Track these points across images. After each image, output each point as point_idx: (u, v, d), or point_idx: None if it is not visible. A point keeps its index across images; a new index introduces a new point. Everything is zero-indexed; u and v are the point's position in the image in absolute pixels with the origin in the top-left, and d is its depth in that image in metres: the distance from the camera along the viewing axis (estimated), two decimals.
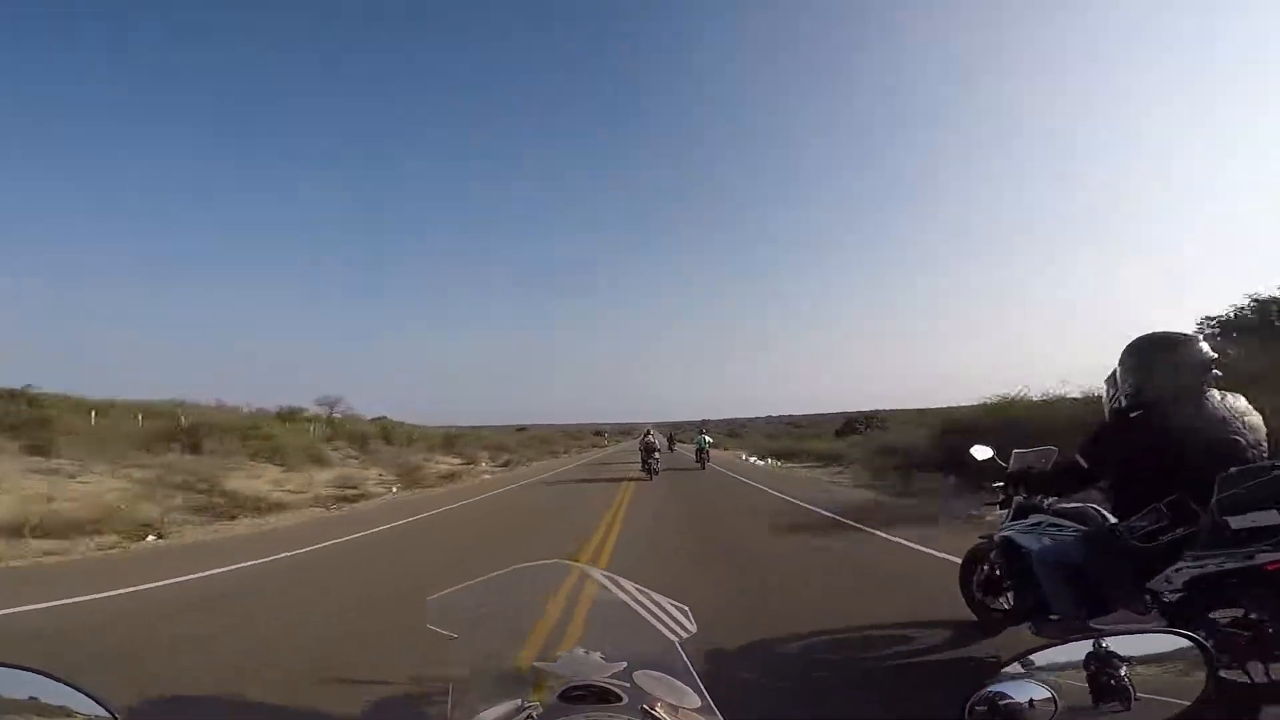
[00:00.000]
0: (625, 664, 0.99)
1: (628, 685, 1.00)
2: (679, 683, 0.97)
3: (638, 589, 0.94)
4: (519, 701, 1.03)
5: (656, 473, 18.35)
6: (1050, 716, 0.78)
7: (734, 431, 72.17)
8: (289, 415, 25.14)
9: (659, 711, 0.98)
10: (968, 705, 0.80)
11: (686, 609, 0.96)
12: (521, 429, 53.23)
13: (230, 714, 2.81)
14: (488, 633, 1.01)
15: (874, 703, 2.78)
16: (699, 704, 0.97)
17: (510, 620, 1.00)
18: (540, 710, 1.02)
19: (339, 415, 29.19)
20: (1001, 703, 0.79)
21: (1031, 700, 0.78)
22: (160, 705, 2.80)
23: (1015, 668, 0.80)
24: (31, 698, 0.84)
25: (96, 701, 0.85)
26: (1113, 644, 0.81)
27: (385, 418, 33.19)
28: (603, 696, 1.02)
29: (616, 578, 0.93)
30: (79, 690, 0.86)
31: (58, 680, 0.86)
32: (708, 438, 24.60)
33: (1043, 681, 0.79)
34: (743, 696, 2.67)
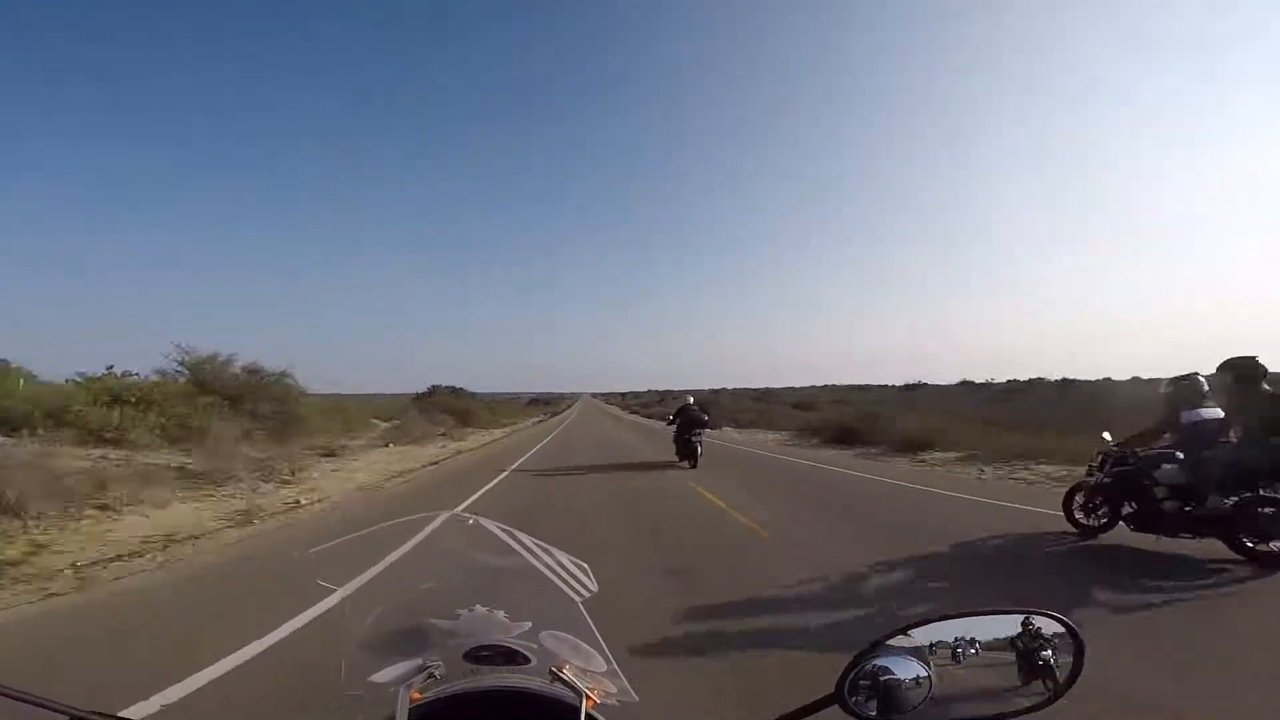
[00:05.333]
0: (530, 624, 0.96)
1: (534, 646, 0.98)
2: (585, 645, 0.95)
3: (536, 543, 0.91)
4: (419, 660, 0.99)
5: (700, 455, 13.80)
6: (925, 695, 0.79)
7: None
8: None
9: (567, 674, 0.96)
10: (849, 678, 0.80)
11: (586, 566, 0.93)
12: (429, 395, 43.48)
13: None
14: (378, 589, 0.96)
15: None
16: (605, 668, 0.96)
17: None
18: (443, 669, 0.99)
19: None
20: (883, 678, 0.80)
21: (912, 678, 0.79)
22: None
23: (896, 641, 0.81)
24: None
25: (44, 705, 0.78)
26: (984, 624, 0.83)
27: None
28: (510, 658, 0.99)
29: (514, 531, 0.89)
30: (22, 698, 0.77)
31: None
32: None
33: (920, 659, 0.80)
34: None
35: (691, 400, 15.18)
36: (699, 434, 14.01)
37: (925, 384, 63.70)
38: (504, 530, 0.90)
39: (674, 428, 14.78)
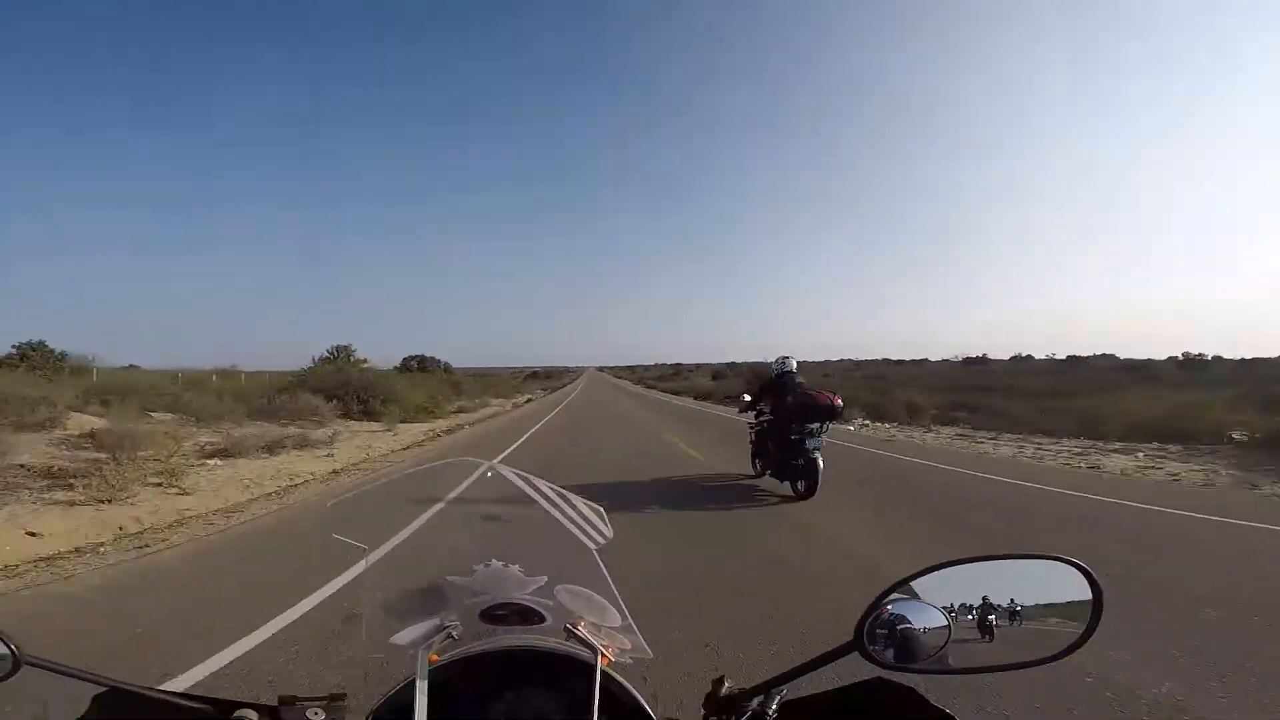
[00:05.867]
0: (545, 579, 0.96)
1: (550, 603, 0.98)
2: (600, 598, 0.95)
3: (553, 489, 0.91)
4: (437, 620, 0.99)
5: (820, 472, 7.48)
6: (943, 643, 0.79)
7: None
8: None
9: (582, 631, 0.96)
10: (864, 627, 0.80)
11: (602, 511, 0.93)
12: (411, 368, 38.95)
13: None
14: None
15: None
16: (620, 622, 0.96)
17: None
18: (460, 629, 0.99)
19: None
20: (899, 626, 0.79)
21: (926, 626, 0.79)
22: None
23: (910, 588, 0.80)
24: None
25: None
26: (1001, 569, 0.81)
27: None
28: (525, 616, 1.00)
29: (531, 477, 0.89)
30: None
31: None
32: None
33: (936, 606, 0.79)
34: None
35: (793, 365, 8.48)
36: (818, 434, 7.53)
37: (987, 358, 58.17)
38: (520, 476, 0.89)
39: (756, 419, 8.89)
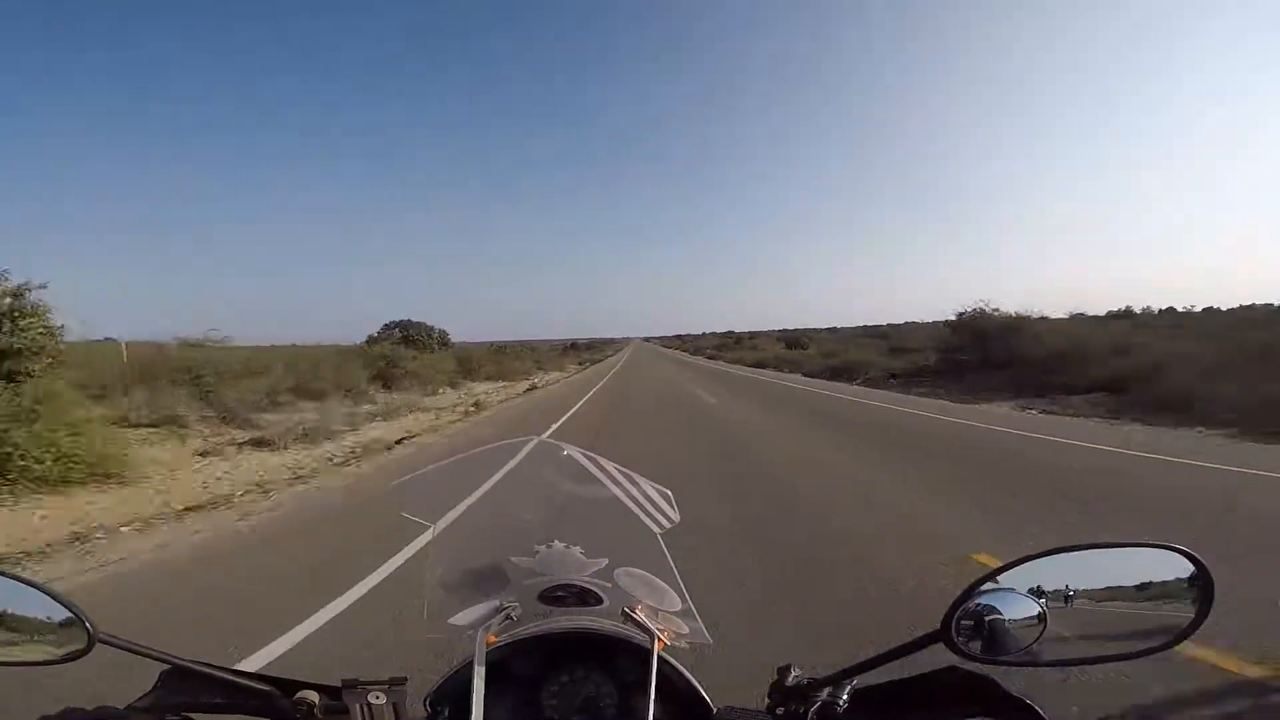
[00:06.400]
0: (606, 561, 0.95)
1: (609, 585, 0.97)
2: (661, 582, 0.93)
3: (619, 470, 0.88)
4: (497, 602, 1.00)
5: None
6: (1037, 635, 0.74)
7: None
8: None
9: (639, 615, 0.95)
10: (953, 619, 0.76)
11: (669, 494, 0.91)
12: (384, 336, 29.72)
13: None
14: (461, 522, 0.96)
15: None
16: (679, 607, 0.95)
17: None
18: (519, 611, 1.00)
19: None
20: (988, 617, 0.75)
21: (1023, 617, 0.74)
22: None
23: (1000, 580, 0.76)
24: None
25: (71, 610, 0.83)
26: (1103, 558, 0.76)
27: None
28: (583, 598, 0.99)
29: (597, 458, 0.88)
30: (54, 597, 0.84)
31: (33, 585, 0.85)
32: None
33: (1032, 596, 0.74)
34: None
35: None
36: None
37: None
38: (587, 456, 0.88)
39: None
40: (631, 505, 0.89)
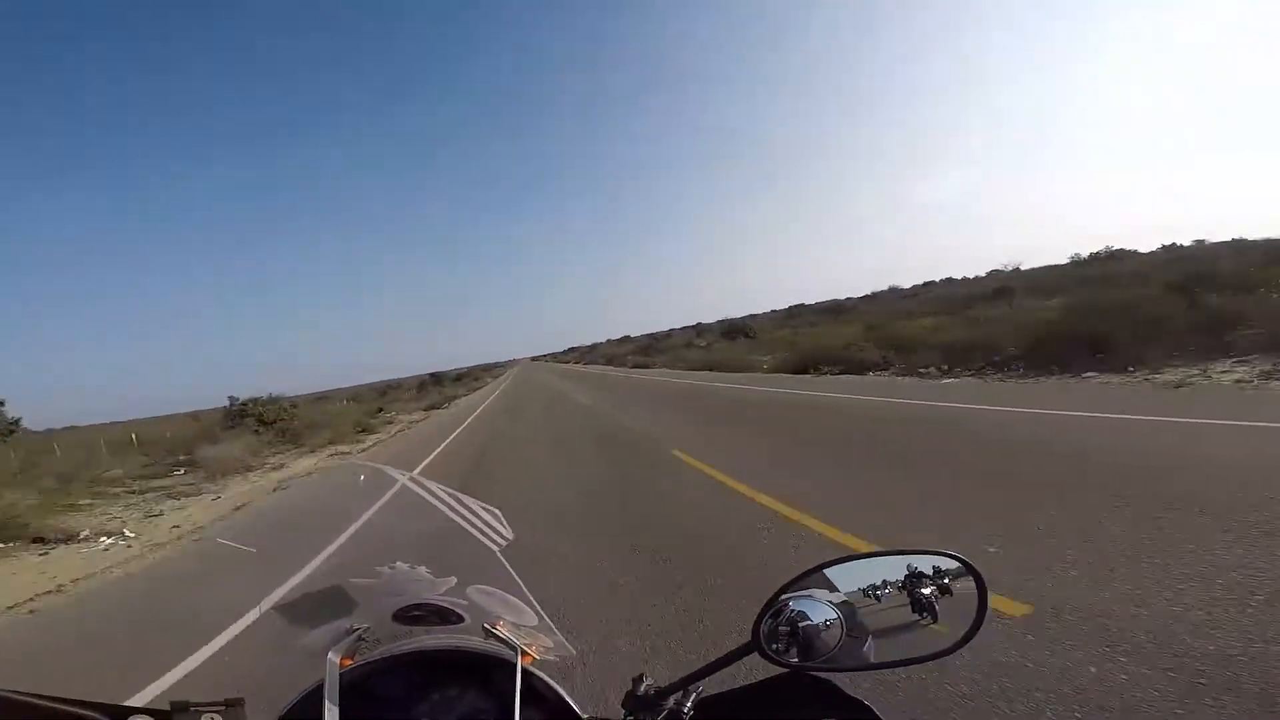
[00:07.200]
0: (455, 579, 0.94)
1: (464, 603, 0.97)
2: (515, 599, 0.94)
3: (446, 491, 0.89)
4: (346, 623, 0.97)
5: None
6: (837, 639, 0.80)
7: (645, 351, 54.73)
8: None
9: (502, 631, 0.95)
10: (760, 627, 0.81)
11: (498, 512, 0.92)
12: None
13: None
14: (293, 547, 0.93)
15: None
16: (536, 622, 0.96)
17: (317, 532, 0.92)
18: (373, 632, 0.97)
19: None
20: (801, 623, 0.80)
21: (823, 620, 0.80)
22: None
23: (805, 585, 0.82)
24: None
25: None
26: (888, 565, 0.84)
27: None
28: (443, 616, 0.98)
29: (423, 480, 0.88)
30: None
31: None
32: None
33: (828, 602, 0.81)
34: None
35: None
36: None
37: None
38: (414, 481, 0.88)
39: None
40: (465, 525, 0.89)
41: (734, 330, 46.72)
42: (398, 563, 0.93)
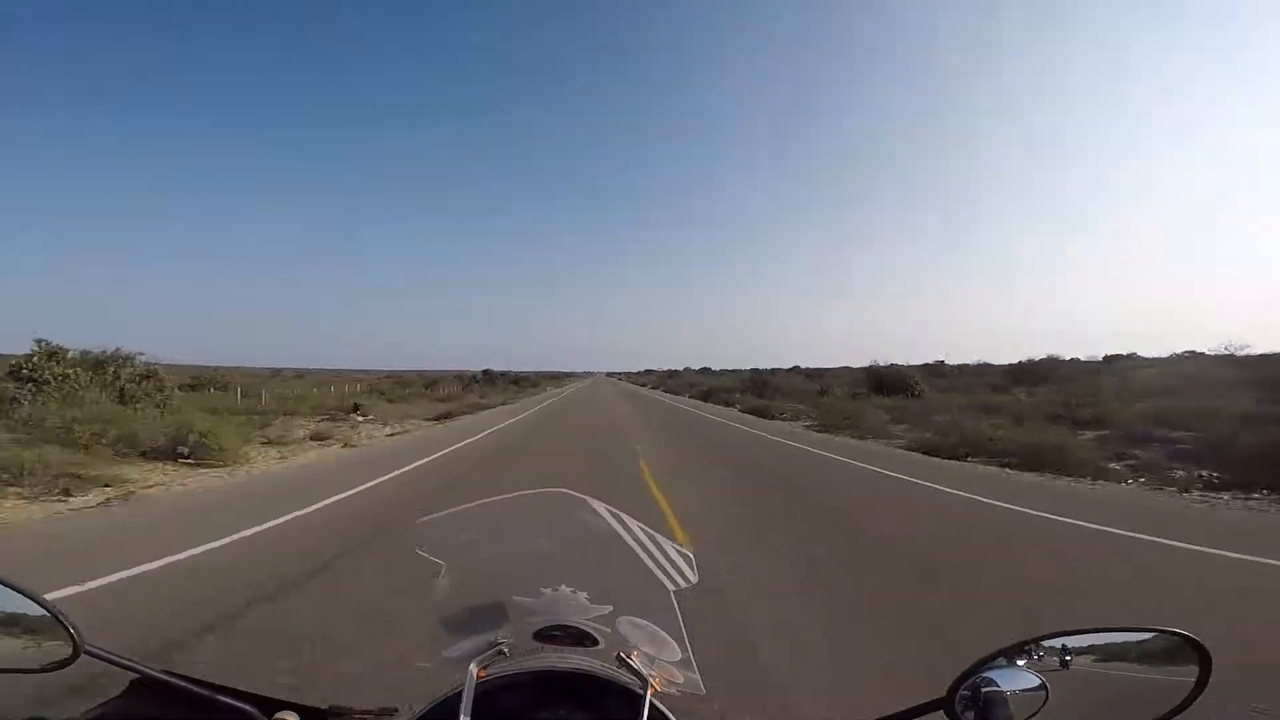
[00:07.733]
0: (611, 608, 0.95)
1: (608, 631, 0.97)
2: (662, 633, 0.94)
3: (642, 529, 0.89)
4: (492, 636, 0.99)
5: None
6: (1039, 706, 0.77)
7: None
8: None
9: (634, 660, 0.95)
10: (955, 690, 0.78)
11: (690, 556, 0.91)
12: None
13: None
14: (474, 562, 0.96)
15: None
16: (679, 657, 0.95)
17: (499, 550, 0.94)
18: (512, 645, 0.99)
19: None
20: (986, 689, 0.77)
21: (1021, 689, 0.77)
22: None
23: (1008, 655, 0.79)
24: None
25: (58, 618, 0.81)
26: (1105, 640, 0.79)
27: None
28: (579, 639, 0.99)
29: (620, 514, 0.88)
30: (41, 604, 0.82)
31: (20, 591, 0.82)
32: None
33: (1033, 670, 0.77)
34: None
35: None
36: None
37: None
38: (611, 513, 0.88)
39: None
40: (648, 561, 0.89)
41: (884, 383, 31.69)
42: (560, 586, 0.95)
